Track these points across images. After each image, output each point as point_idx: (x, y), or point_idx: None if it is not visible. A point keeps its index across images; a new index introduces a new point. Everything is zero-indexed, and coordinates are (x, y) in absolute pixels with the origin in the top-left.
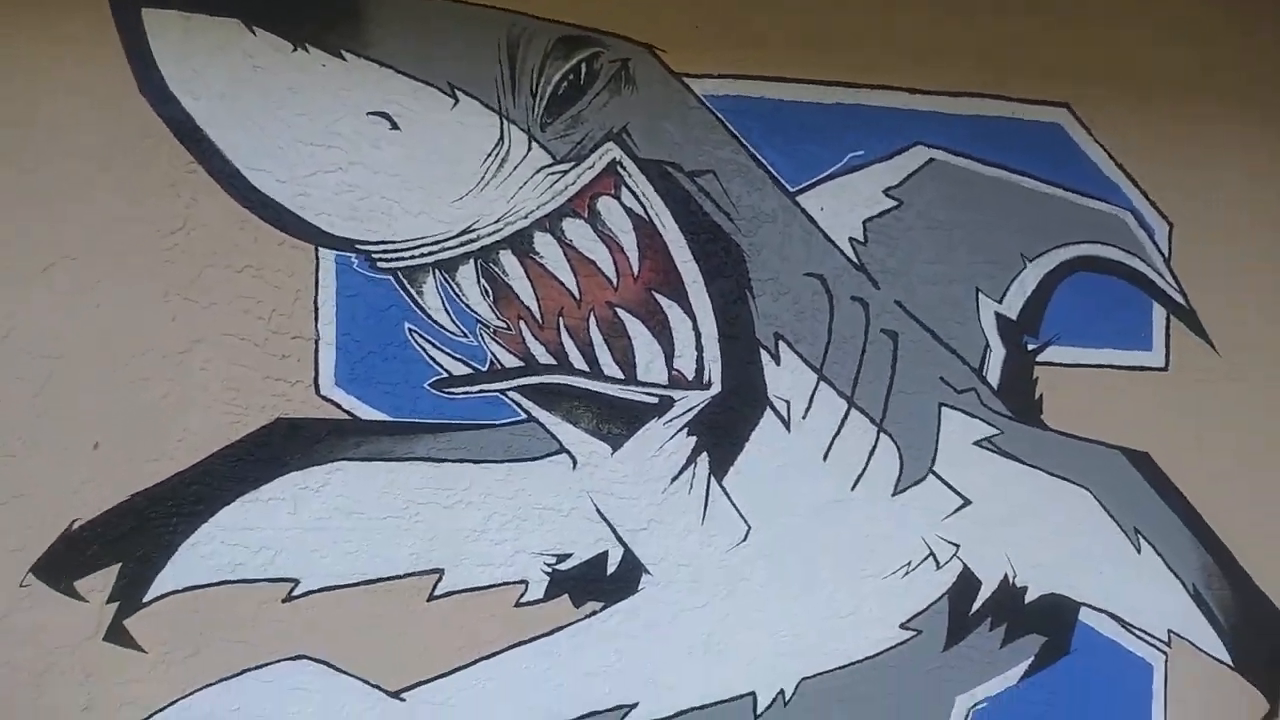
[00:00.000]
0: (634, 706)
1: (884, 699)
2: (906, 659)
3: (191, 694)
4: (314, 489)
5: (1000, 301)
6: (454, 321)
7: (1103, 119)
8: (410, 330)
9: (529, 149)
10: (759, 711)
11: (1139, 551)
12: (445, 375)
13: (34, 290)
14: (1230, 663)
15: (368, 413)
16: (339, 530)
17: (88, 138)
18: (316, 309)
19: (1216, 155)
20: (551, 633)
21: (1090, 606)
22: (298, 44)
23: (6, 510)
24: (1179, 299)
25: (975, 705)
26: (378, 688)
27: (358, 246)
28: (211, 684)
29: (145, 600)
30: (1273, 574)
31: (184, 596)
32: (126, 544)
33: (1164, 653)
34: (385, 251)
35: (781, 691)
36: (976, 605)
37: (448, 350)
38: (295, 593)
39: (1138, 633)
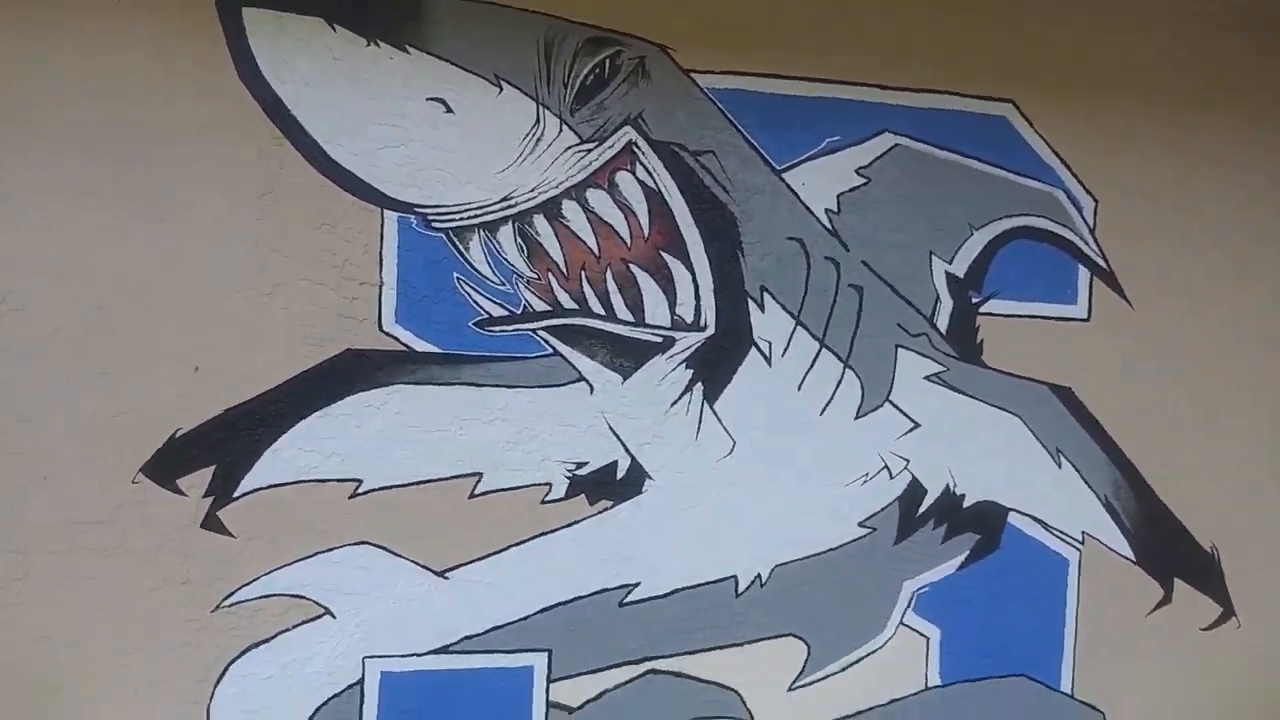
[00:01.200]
0: (636, 585)
1: (844, 583)
2: (864, 551)
3: (272, 571)
4: (376, 406)
5: (950, 262)
6: (494, 272)
7: (1042, 113)
8: (458, 279)
9: (560, 131)
10: (739, 591)
11: (1059, 468)
12: (486, 315)
13: (146, 238)
14: (1133, 558)
15: (422, 346)
16: (396, 440)
17: (194, 113)
18: (381, 260)
19: (1135, 143)
20: (570, 525)
21: (1017, 511)
22: (370, 39)
23: (122, 420)
24: (1100, 263)
25: (919, 589)
26: (427, 568)
27: (416, 209)
28: (289, 563)
29: (235, 495)
30: (1170, 487)
31: (267, 493)
32: (220, 450)
33: (1078, 549)
34: (439, 213)
35: (758, 575)
36: (922, 509)
37: (489, 296)
38: (359, 491)
39: (1057, 533)
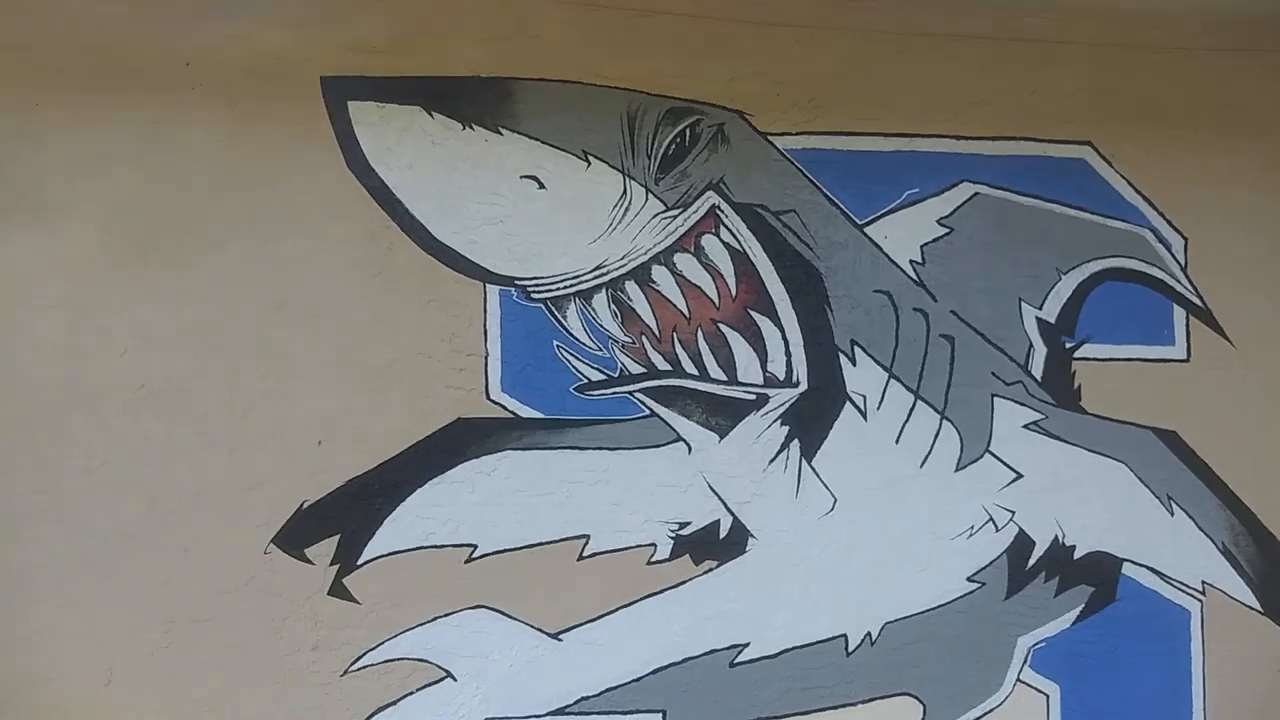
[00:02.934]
0: (746, 646)
1: (957, 639)
2: (974, 606)
3: (397, 635)
4: (487, 473)
5: (1040, 308)
6: (591, 339)
7: (1120, 153)
8: (558, 346)
9: (646, 199)
10: (850, 650)
11: (1172, 515)
12: (585, 380)
13: (271, 319)
14: (1259, 608)
15: (527, 412)
16: (507, 505)
17: (310, 203)
18: (485, 331)
19: (1219, 178)
20: (677, 586)
21: (1132, 561)
22: (466, 123)
23: (253, 495)
24: (1196, 301)
25: (1035, 645)
26: (541, 630)
27: (516, 282)
28: (411, 628)
29: (359, 563)
30: None
31: (389, 560)
32: (344, 519)
33: (1199, 600)
34: (537, 285)
35: (869, 633)
36: (1032, 561)
37: (587, 361)
38: (474, 555)
39: (1175, 584)
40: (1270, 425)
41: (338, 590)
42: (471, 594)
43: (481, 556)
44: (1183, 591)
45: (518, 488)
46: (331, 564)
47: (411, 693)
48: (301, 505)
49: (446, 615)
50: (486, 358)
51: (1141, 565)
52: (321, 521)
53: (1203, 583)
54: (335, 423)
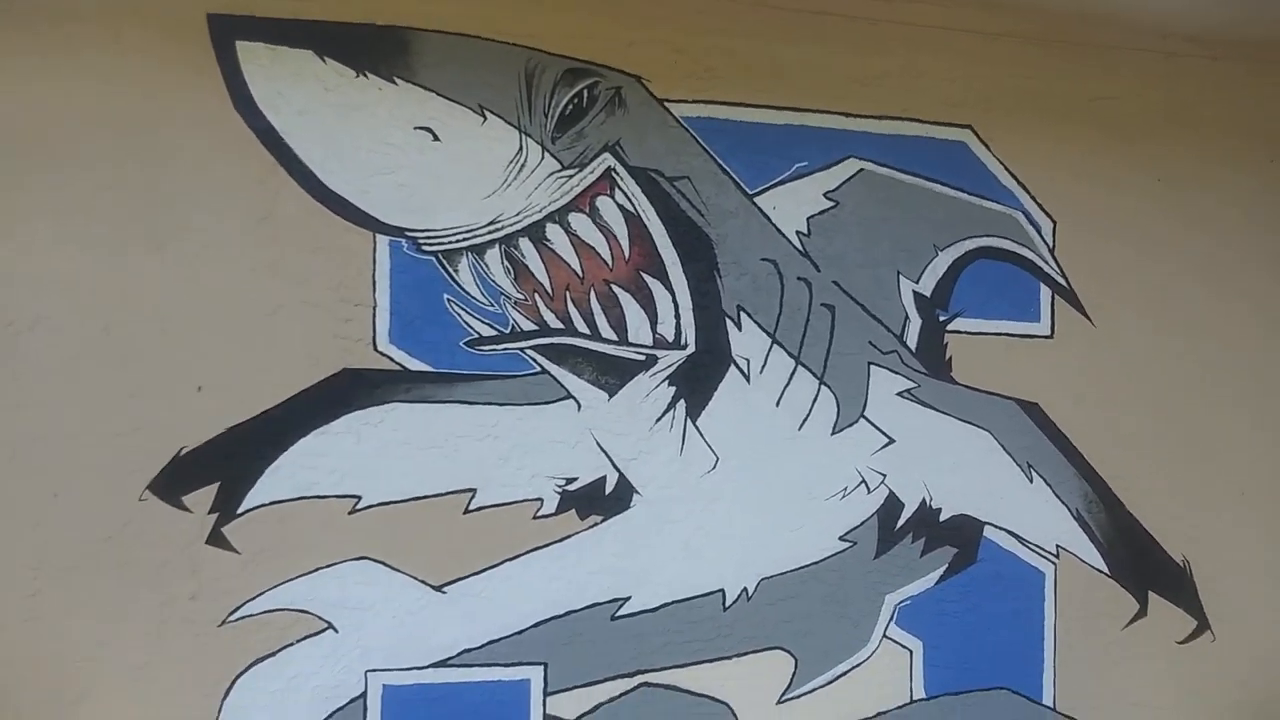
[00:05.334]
0: (628, 599)
1: (828, 596)
2: (845, 564)
3: (276, 586)
4: (373, 424)
5: (917, 282)
6: (483, 293)
7: (998, 138)
8: (448, 300)
9: (542, 158)
10: (727, 605)
11: (1031, 482)
12: (476, 335)
13: (149, 264)
14: (1107, 571)
15: (416, 365)
16: (393, 457)
17: (193, 144)
18: (374, 282)
19: (1088, 166)
20: (562, 540)
21: (993, 525)
22: (359, 71)
23: (128, 440)
24: (1061, 281)
25: (901, 602)
26: (425, 583)
27: (407, 233)
28: (292, 579)
29: (239, 512)
30: (1138, 500)
31: (270, 509)
32: (223, 467)
33: (1053, 562)
34: (429, 237)
35: (745, 589)
36: (901, 522)
37: (478, 316)
38: (358, 507)
39: (1032, 546)
40: (1124, 400)
41: (216, 539)
42: (355, 545)
43: (366, 508)
44: (1038, 554)
45: (404, 440)
46: (210, 512)
47: (291, 644)
48: (179, 452)
49: (329, 566)
50: (375, 308)
51: (1001, 529)
52: (200, 469)
53: (1057, 546)
54: (216, 369)
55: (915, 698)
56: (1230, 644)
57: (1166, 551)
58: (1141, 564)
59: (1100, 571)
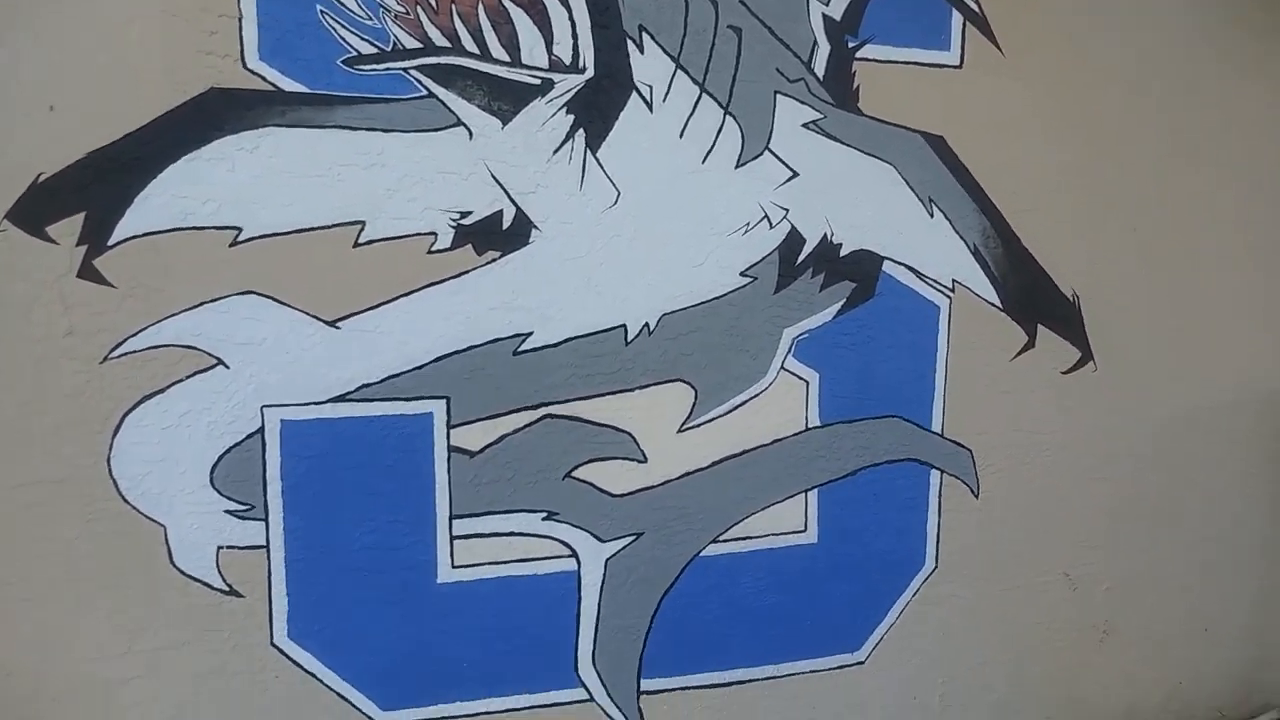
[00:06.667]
0: (529, 335)
1: (728, 330)
2: (745, 299)
3: (158, 322)
4: (248, 150)
5: (827, 4)
6: (360, 6)
7: None
8: (322, 12)
9: None
10: (629, 339)
11: (931, 216)
12: (355, 53)
13: None
14: (1000, 305)
15: (290, 85)
16: (273, 186)
17: None
18: None
19: None
20: (459, 275)
21: (891, 260)
22: None
23: None
24: (973, 6)
25: (799, 336)
26: (317, 318)
27: None
28: (174, 314)
29: (110, 243)
30: (1035, 235)
31: (144, 241)
32: (88, 195)
33: (949, 297)
34: None
35: (647, 324)
36: (801, 257)
37: (355, 31)
38: (240, 239)
39: (929, 281)
40: (1027, 134)
41: (88, 272)
42: (239, 279)
43: (248, 240)
44: (935, 289)
45: (284, 168)
46: (79, 244)
47: (181, 380)
48: (37, 178)
49: (214, 301)
50: (241, 19)
51: (900, 263)
52: (62, 197)
53: (953, 281)
54: (68, 87)
55: (810, 425)
56: (1113, 375)
57: (1058, 286)
58: (1033, 298)
59: (993, 305)
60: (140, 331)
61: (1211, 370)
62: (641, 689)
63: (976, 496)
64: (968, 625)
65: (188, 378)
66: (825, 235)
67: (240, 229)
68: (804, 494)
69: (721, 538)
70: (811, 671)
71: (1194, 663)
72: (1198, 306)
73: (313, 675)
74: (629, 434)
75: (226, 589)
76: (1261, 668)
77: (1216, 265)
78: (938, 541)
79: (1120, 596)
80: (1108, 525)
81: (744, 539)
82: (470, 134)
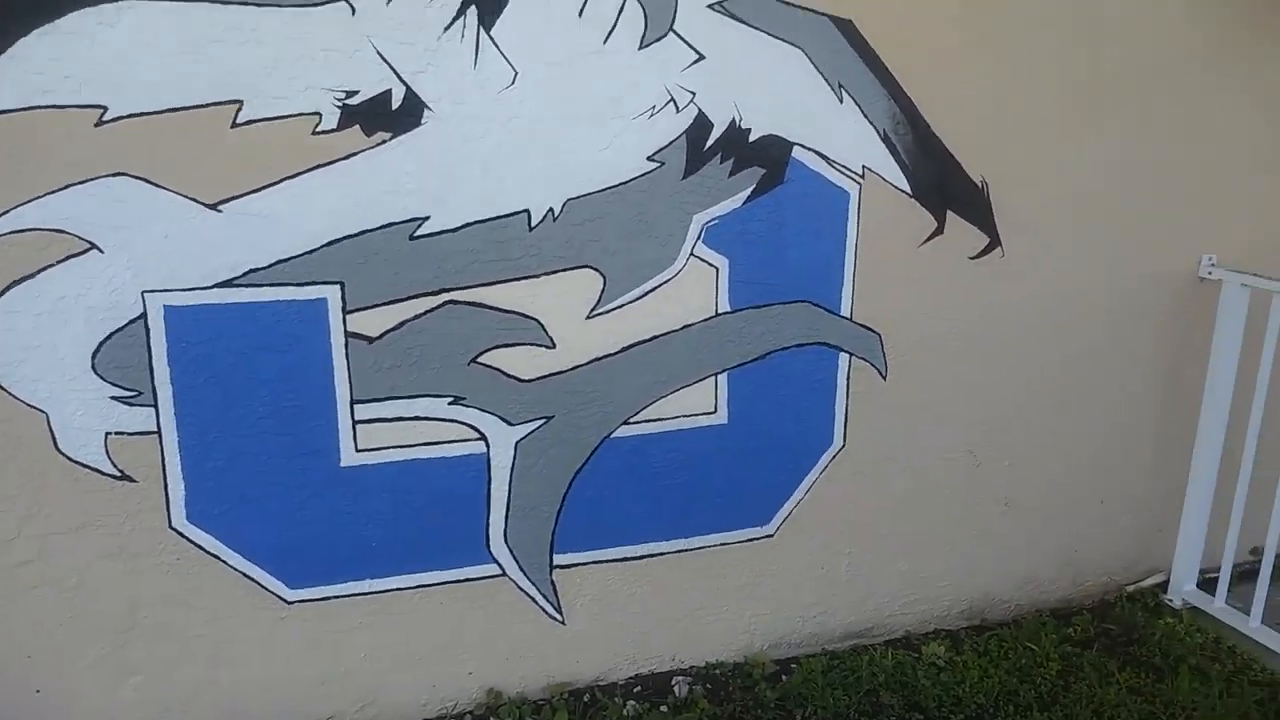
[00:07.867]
0: (426, 219)
1: (636, 216)
2: (653, 185)
3: (21, 205)
4: (109, 25)
5: None
6: None
7: None
8: None
9: None
10: (532, 225)
11: (841, 102)
12: None
13: None
14: (909, 191)
15: None
16: (139, 63)
17: None
18: None
19: None
20: (348, 157)
21: (801, 145)
22: None
23: None
24: None
25: (708, 222)
26: (195, 200)
27: None
28: (38, 196)
29: None
30: (944, 122)
31: None
32: None
33: (859, 183)
34: None
35: (551, 209)
36: (709, 142)
37: None
38: (105, 118)
39: (839, 167)
40: (936, 20)
41: None
42: (108, 160)
43: (115, 119)
44: (845, 175)
45: (149, 43)
46: None
47: (51, 265)
48: None
49: (81, 183)
50: None
51: (810, 149)
52: None
53: (863, 167)
54: None
55: (720, 311)
56: (1019, 260)
57: (966, 172)
58: (942, 184)
59: (903, 191)
60: (3, 214)
61: (1111, 254)
62: (555, 563)
63: (884, 379)
64: (874, 501)
65: (58, 263)
66: (733, 120)
67: (105, 107)
68: (714, 377)
69: (632, 420)
70: (722, 545)
71: (1089, 532)
72: (1100, 194)
73: (216, 557)
74: (536, 320)
75: (118, 474)
76: (1150, 536)
77: (1121, 153)
78: (846, 422)
79: (1021, 471)
80: (1011, 405)
81: (655, 420)
82: (353, 9)
